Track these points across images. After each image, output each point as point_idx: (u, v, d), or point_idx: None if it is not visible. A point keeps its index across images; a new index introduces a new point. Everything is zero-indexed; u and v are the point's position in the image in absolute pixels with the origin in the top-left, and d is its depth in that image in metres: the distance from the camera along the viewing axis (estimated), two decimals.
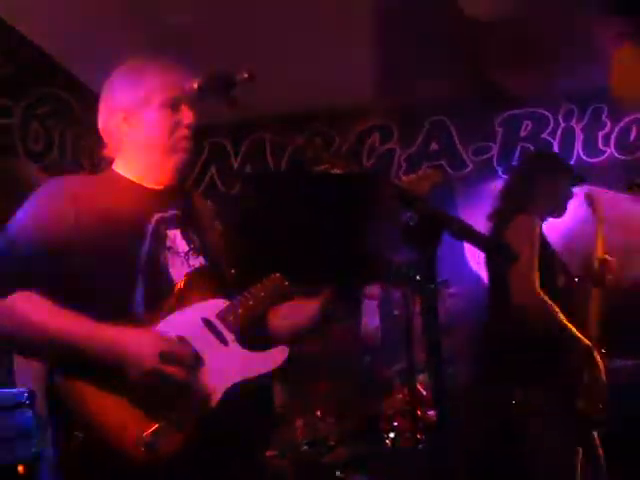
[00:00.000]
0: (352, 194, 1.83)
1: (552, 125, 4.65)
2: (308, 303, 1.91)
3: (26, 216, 1.71)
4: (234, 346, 1.73)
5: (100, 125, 1.88)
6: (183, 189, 1.94)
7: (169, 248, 1.79)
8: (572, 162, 4.48)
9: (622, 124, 4.57)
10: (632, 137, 4.55)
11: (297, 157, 4.67)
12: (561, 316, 2.75)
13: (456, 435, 2.69)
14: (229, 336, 1.73)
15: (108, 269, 1.69)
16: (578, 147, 4.61)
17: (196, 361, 1.64)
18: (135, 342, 1.59)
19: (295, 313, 1.94)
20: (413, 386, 3.24)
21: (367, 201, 1.77)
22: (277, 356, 1.75)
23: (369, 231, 1.81)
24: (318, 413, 3.45)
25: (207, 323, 1.73)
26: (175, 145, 1.82)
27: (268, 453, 3.21)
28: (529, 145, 4.63)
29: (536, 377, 2.79)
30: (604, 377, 2.77)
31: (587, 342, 2.76)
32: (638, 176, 3.41)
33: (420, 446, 3.07)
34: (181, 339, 1.66)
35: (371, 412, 3.59)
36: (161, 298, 1.72)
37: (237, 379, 1.67)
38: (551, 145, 4.64)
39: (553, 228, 3.14)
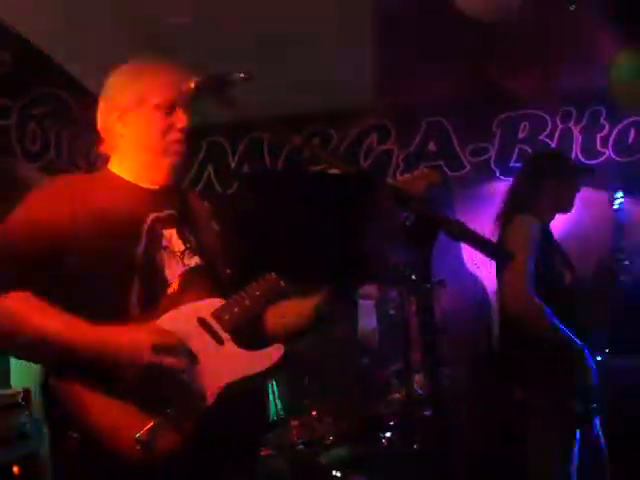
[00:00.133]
0: (349, 194, 1.83)
1: (550, 127, 4.64)
2: (304, 302, 1.92)
3: (22, 216, 1.71)
4: (229, 345, 1.73)
5: (99, 124, 1.89)
6: (179, 189, 1.94)
7: (165, 248, 1.79)
8: None
9: (620, 126, 4.56)
10: (630, 139, 4.54)
11: (294, 157, 4.67)
12: (552, 319, 2.73)
13: (455, 435, 2.69)
14: (224, 335, 1.73)
15: (104, 269, 1.69)
16: (576, 149, 4.61)
17: (191, 359, 1.64)
18: (127, 340, 1.59)
19: (291, 312, 1.94)
20: (410, 386, 3.24)
21: (364, 201, 1.77)
22: (273, 354, 1.75)
23: (366, 231, 1.81)
24: (314, 413, 3.45)
25: (202, 322, 1.73)
26: (167, 148, 1.82)
27: (264, 452, 3.20)
28: (527, 147, 4.63)
29: (536, 377, 2.80)
30: (592, 378, 2.74)
31: (579, 344, 2.75)
32: (636, 178, 3.41)
33: (415, 446, 3.07)
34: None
35: (368, 412, 3.59)
36: (157, 297, 1.73)
37: (232, 378, 1.67)
38: (549, 147, 4.64)
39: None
